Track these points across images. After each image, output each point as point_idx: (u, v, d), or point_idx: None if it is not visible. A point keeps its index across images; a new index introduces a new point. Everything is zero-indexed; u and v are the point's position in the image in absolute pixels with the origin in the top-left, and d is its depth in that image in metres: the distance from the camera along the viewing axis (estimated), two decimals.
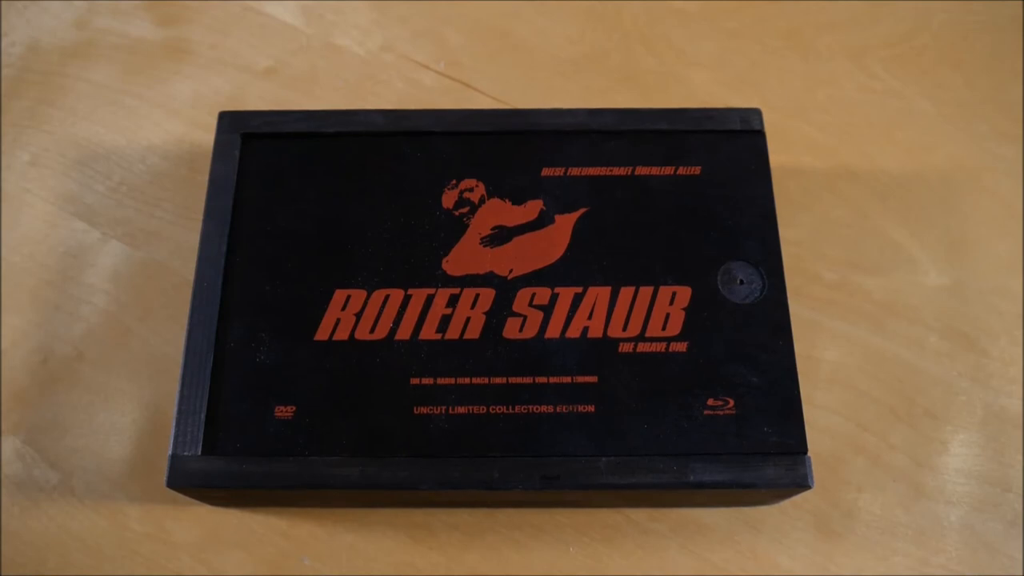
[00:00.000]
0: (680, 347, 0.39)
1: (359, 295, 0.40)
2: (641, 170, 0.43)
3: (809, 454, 0.37)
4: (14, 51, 0.56)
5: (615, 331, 0.39)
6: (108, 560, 0.42)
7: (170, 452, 0.37)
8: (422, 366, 0.39)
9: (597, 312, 0.40)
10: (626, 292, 0.40)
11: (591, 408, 0.38)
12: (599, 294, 0.40)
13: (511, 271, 0.41)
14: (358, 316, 0.40)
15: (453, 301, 0.40)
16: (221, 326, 0.39)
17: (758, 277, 0.41)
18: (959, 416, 0.45)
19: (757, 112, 0.44)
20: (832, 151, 0.52)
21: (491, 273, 0.41)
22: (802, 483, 0.37)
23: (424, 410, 0.38)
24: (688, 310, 0.40)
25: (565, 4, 0.58)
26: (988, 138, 0.53)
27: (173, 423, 0.37)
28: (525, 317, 0.40)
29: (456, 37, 0.56)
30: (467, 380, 0.38)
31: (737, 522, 0.43)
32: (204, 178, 0.44)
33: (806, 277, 0.48)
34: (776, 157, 0.46)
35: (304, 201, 0.42)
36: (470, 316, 0.40)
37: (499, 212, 0.42)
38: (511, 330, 0.39)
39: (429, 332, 0.39)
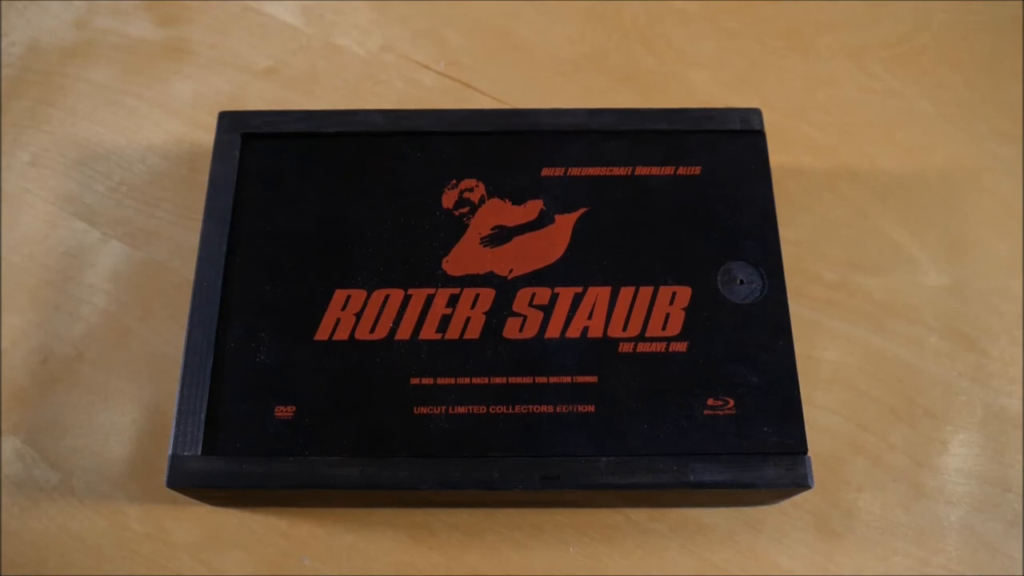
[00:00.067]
0: (680, 347, 0.39)
1: (359, 295, 0.40)
2: (641, 170, 0.43)
3: (809, 454, 0.37)
4: (14, 51, 0.56)
5: (615, 331, 0.39)
6: (108, 560, 0.42)
7: (170, 452, 0.37)
8: (422, 366, 0.39)
9: (597, 312, 0.40)
10: (626, 292, 0.40)
11: (591, 408, 0.38)
12: (599, 294, 0.40)
13: (511, 271, 0.41)
14: (358, 316, 0.40)
15: (453, 301, 0.40)
16: (221, 326, 0.39)
17: (758, 277, 0.41)
18: (959, 416, 0.45)
19: (757, 112, 0.44)
20: (832, 151, 0.52)
21: (491, 273, 0.41)
22: (802, 483, 0.37)
23: (424, 410, 0.38)
24: (688, 310, 0.40)
25: (565, 4, 0.58)
26: (988, 138, 0.53)
27: (173, 423, 0.37)
28: (525, 317, 0.40)
29: (456, 37, 0.56)
30: (467, 380, 0.38)
31: (737, 522, 0.43)
32: (204, 178, 0.44)
33: (806, 277, 0.48)
34: (776, 157, 0.46)
35: (304, 201, 0.42)
36: (470, 316, 0.40)
37: (499, 212, 0.42)
38: (511, 330, 0.39)
39: (429, 332, 0.39)
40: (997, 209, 0.51)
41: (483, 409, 0.38)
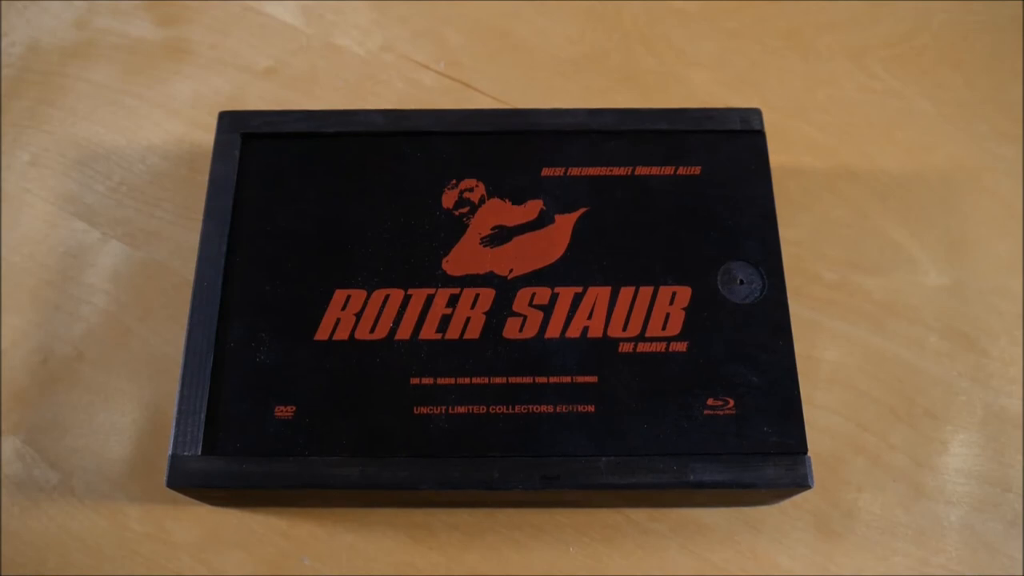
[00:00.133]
0: (680, 347, 0.39)
1: (359, 295, 0.40)
2: (641, 170, 0.43)
3: (809, 454, 0.37)
4: (14, 51, 0.56)
5: (615, 331, 0.39)
6: (108, 560, 0.42)
7: (170, 452, 0.37)
8: (422, 366, 0.39)
9: (597, 312, 0.40)
10: (626, 292, 0.40)
11: (591, 408, 0.38)
12: (599, 294, 0.40)
13: (511, 271, 0.41)
14: (358, 316, 0.40)
15: (453, 301, 0.40)
16: (221, 326, 0.39)
17: (758, 277, 0.41)
18: (959, 416, 0.45)
19: (757, 112, 0.44)
20: (832, 151, 0.52)
21: (491, 273, 0.41)
22: (802, 483, 0.37)
23: (424, 410, 0.38)
24: (688, 310, 0.40)
25: (565, 4, 0.58)
26: (988, 138, 0.53)
27: (173, 423, 0.37)
28: (525, 317, 0.40)
29: (456, 37, 0.56)
30: (467, 380, 0.38)
31: (737, 522, 0.43)
32: (204, 178, 0.44)
33: (806, 277, 0.48)
34: (776, 157, 0.46)
35: (304, 201, 0.42)
36: (470, 316, 0.40)
37: (499, 212, 0.42)
38: (511, 330, 0.39)
39: (429, 332, 0.39)
40: (997, 209, 0.51)
41: (483, 409, 0.38)
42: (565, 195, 0.42)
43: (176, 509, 0.43)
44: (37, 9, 0.57)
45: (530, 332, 0.39)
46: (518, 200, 0.42)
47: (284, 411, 0.38)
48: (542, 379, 0.38)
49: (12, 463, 0.44)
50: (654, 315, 0.40)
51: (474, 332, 0.39)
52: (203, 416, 0.37)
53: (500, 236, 0.42)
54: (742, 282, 0.40)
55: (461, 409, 0.38)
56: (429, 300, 0.40)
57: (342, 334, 0.39)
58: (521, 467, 0.37)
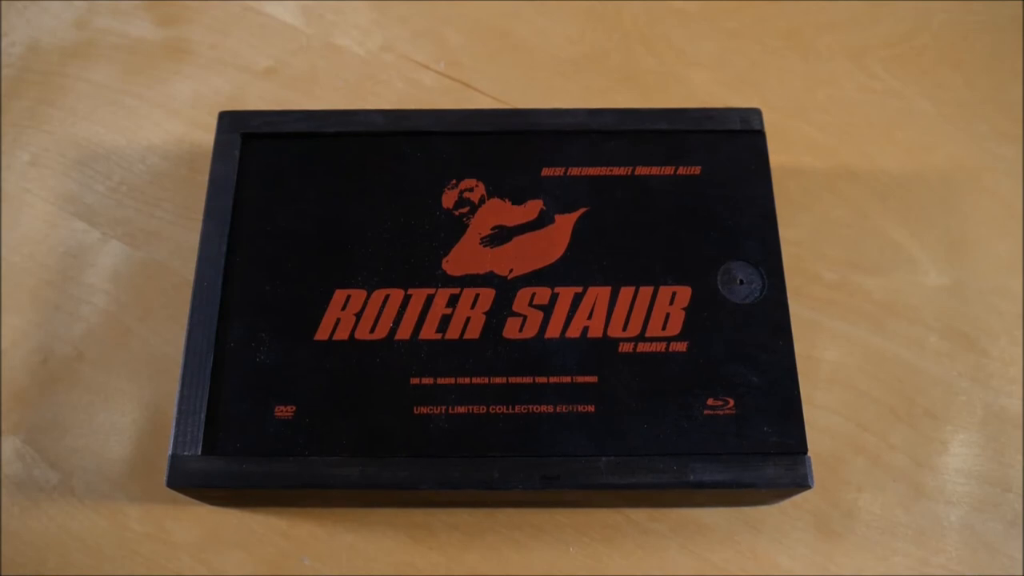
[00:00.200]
0: (680, 347, 0.39)
1: (359, 295, 0.40)
2: (641, 170, 0.43)
3: (809, 454, 0.37)
4: (14, 51, 0.56)
5: (615, 331, 0.39)
6: (108, 560, 0.42)
7: (170, 452, 0.37)
8: (422, 366, 0.39)
9: (597, 312, 0.40)
10: (626, 292, 0.40)
11: (591, 408, 0.38)
12: (599, 294, 0.40)
13: (511, 271, 0.41)
14: (358, 316, 0.40)
15: (453, 301, 0.40)
16: (221, 326, 0.39)
17: (758, 277, 0.41)
18: (959, 416, 0.45)
19: (757, 112, 0.44)
20: (832, 151, 0.52)
21: (491, 273, 0.41)
22: (802, 483, 0.37)
23: (424, 410, 0.38)
24: (688, 310, 0.40)
25: (565, 4, 0.58)
26: (988, 138, 0.53)
27: (173, 423, 0.37)
28: (525, 317, 0.40)
29: (456, 37, 0.56)
30: (467, 380, 0.38)
31: (737, 522, 0.43)
32: (204, 178, 0.44)
33: (806, 277, 0.48)
34: (776, 157, 0.46)
35: (304, 201, 0.42)
36: (470, 316, 0.40)
37: (499, 212, 0.42)
38: (511, 330, 0.39)
39: (429, 332, 0.39)
40: (997, 209, 0.51)
41: (483, 409, 0.38)
42: (565, 195, 0.42)
43: (176, 509, 0.43)
44: (37, 9, 0.57)
45: (530, 332, 0.39)
46: (518, 200, 0.42)
47: (284, 411, 0.38)
48: (542, 379, 0.38)
49: (12, 463, 0.44)
50: (654, 315, 0.40)
51: (474, 332, 0.39)
52: (203, 416, 0.37)
53: (500, 236, 0.42)
54: (742, 282, 0.40)
55: (461, 409, 0.38)
56: (429, 300, 0.40)
57: (342, 334, 0.39)
58: (521, 467, 0.37)
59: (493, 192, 0.42)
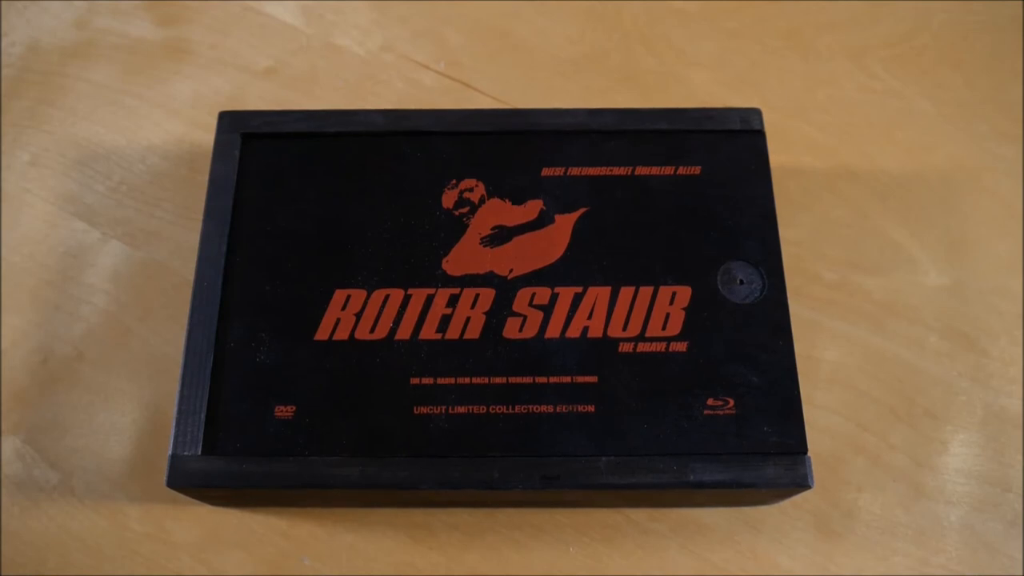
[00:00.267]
0: (680, 347, 0.39)
1: (359, 295, 0.40)
2: (641, 170, 0.43)
3: (809, 454, 0.37)
4: (14, 51, 0.56)
5: (615, 331, 0.39)
6: (108, 560, 0.42)
7: (170, 452, 0.37)
8: (422, 366, 0.39)
9: (597, 312, 0.40)
10: (626, 292, 0.40)
11: (591, 408, 0.38)
12: (599, 294, 0.40)
13: (511, 271, 0.41)
14: (358, 316, 0.40)
15: (453, 301, 0.40)
16: (221, 326, 0.39)
17: (758, 277, 0.41)
18: (959, 416, 0.45)
19: (757, 112, 0.44)
20: (832, 151, 0.52)
21: (491, 273, 0.41)
22: (802, 483, 0.37)
23: (424, 410, 0.38)
24: (688, 310, 0.40)
25: (565, 4, 0.58)
26: (988, 138, 0.53)
27: (173, 423, 0.37)
28: (525, 317, 0.40)
29: (456, 37, 0.56)
30: (467, 380, 0.38)
31: (737, 522, 0.43)
32: (204, 178, 0.44)
33: (806, 277, 0.48)
34: (776, 157, 0.46)
35: (304, 201, 0.42)
36: (470, 316, 0.40)
37: (499, 212, 0.42)
38: (511, 330, 0.39)
39: (429, 332, 0.39)
40: (997, 209, 0.51)
41: (483, 409, 0.38)
42: (565, 195, 0.42)
43: (176, 509, 0.43)
44: (37, 9, 0.57)
45: (530, 332, 0.39)
46: (518, 200, 0.42)
47: (284, 411, 0.38)
48: (542, 379, 0.38)
49: (12, 463, 0.44)
50: (654, 315, 0.40)
51: (474, 332, 0.39)
52: (203, 416, 0.37)
53: (500, 236, 0.42)
54: (742, 282, 0.40)
55: (461, 409, 0.38)
56: (429, 300, 0.40)
57: (342, 334, 0.39)
58: (521, 467, 0.37)
59: (493, 192, 0.42)
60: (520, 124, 0.44)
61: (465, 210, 0.42)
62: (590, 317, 0.40)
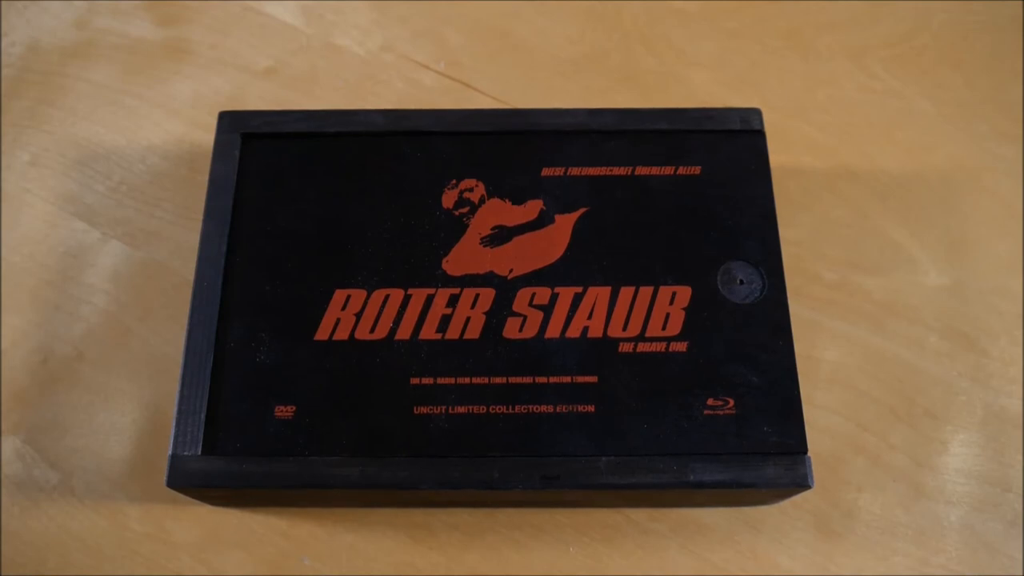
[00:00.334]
0: (680, 347, 0.39)
1: (359, 295, 0.40)
2: (641, 170, 0.43)
3: (809, 454, 0.37)
4: (14, 51, 0.56)
5: (615, 331, 0.39)
6: (108, 560, 0.42)
7: (170, 452, 0.37)
8: (422, 366, 0.39)
9: (597, 312, 0.40)
10: (626, 292, 0.40)
11: (591, 408, 0.38)
12: (599, 294, 0.40)
13: (511, 271, 0.41)
14: (358, 316, 0.40)
15: (453, 301, 0.40)
16: (221, 326, 0.39)
17: (758, 277, 0.41)
18: (959, 416, 0.45)
19: (757, 112, 0.44)
20: (832, 151, 0.52)
21: (491, 273, 0.41)
22: (802, 483, 0.37)
23: (424, 410, 0.38)
24: (688, 310, 0.40)
25: (565, 4, 0.58)
26: (988, 138, 0.53)
27: (173, 423, 0.37)
28: (525, 317, 0.40)
29: (456, 37, 0.56)
30: (467, 380, 0.38)
31: (737, 522, 0.43)
32: (204, 178, 0.44)
33: (806, 277, 0.48)
34: (776, 157, 0.46)
35: (304, 201, 0.42)
36: (470, 316, 0.40)
37: (499, 212, 0.42)
38: (511, 330, 0.39)
39: (429, 332, 0.39)
40: (997, 209, 0.51)
41: (483, 409, 0.38)
42: (565, 195, 0.42)
43: (176, 509, 0.43)
44: (37, 9, 0.57)
45: (530, 332, 0.39)
46: (518, 200, 0.42)
47: (284, 411, 0.38)
48: (542, 379, 0.38)
49: (12, 463, 0.44)
50: (654, 315, 0.40)
51: (474, 332, 0.39)
52: (203, 416, 0.37)
53: (500, 236, 0.42)
54: (742, 282, 0.40)
55: (461, 409, 0.38)
56: (429, 300, 0.40)
57: (342, 334, 0.39)
58: (521, 467, 0.37)
59: (493, 192, 0.42)
60: (520, 124, 0.44)
61: (465, 210, 0.42)
62: (590, 317, 0.40)
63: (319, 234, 0.41)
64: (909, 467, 0.44)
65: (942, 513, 0.43)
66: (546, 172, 0.43)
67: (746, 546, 0.42)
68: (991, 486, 0.44)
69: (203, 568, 0.41)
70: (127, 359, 0.46)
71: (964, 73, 0.55)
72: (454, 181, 0.43)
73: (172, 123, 0.53)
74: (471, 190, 0.42)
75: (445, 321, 0.40)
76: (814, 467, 0.40)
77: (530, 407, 0.38)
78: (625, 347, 0.39)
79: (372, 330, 0.39)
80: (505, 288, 0.40)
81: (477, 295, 0.40)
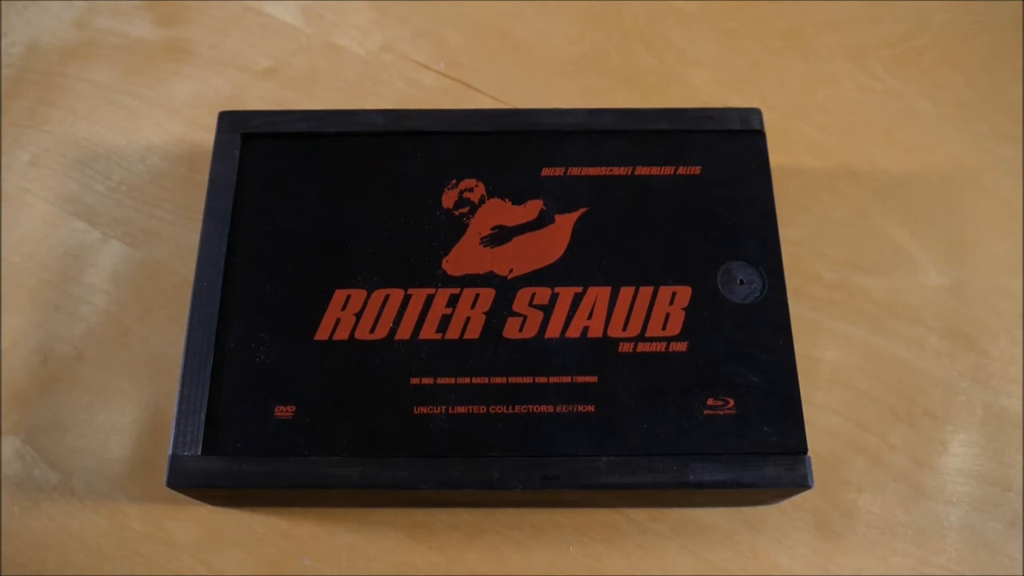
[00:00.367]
0: (680, 347, 0.39)
1: (359, 295, 0.40)
2: (641, 170, 0.43)
3: (809, 454, 0.37)
4: (14, 51, 0.56)
5: (615, 331, 0.39)
6: (108, 560, 0.42)
7: (170, 452, 0.37)
8: (422, 366, 0.39)
9: (597, 312, 0.40)
10: (626, 292, 0.40)
11: (591, 408, 0.38)
12: (599, 294, 0.40)
13: (511, 271, 0.41)
14: (358, 316, 0.40)
15: (453, 301, 0.40)
16: (221, 326, 0.39)
17: (758, 277, 0.41)
18: (959, 416, 0.45)
19: (757, 112, 0.44)
20: (832, 151, 0.52)
21: (491, 273, 0.41)
22: (802, 483, 0.37)
23: (424, 410, 0.38)
24: (688, 310, 0.40)
25: (565, 4, 0.58)
26: (988, 138, 0.53)
27: (173, 423, 0.37)
28: (525, 317, 0.40)
29: (456, 37, 0.56)
30: (467, 380, 0.38)
31: (737, 522, 0.43)
32: (204, 178, 0.44)
33: (806, 277, 0.48)
34: (776, 157, 0.46)
35: (304, 201, 0.42)
36: (470, 316, 0.40)
37: (499, 212, 0.42)
38: (511, 330, 0.39)
39: (429, 332, 0.39)
40: (997, 209, 0.51)
41: (483, 409, 0.38)
42: (565, 195, 0.42)
43: (176, 509, 0.43)
44: (37, 9, 0.57)
45: (530, 332, 0.39)
46: (518, 200, 0.42)
47: (284, 411, 0.38)
48: (542, 379, 0.38)
49: (12, 463, 0.44)
50: (654, 315, 0.40)
51: (474, 332, 0.39)
52: (203, 416, 0.37)
53: (500, 236, 0.42)
54: (742, 282, 0.40)
55: (461, 409, 0.38)
56: (429, 300, 0.40)
57: (342, 334, 0.39)
58: (521, 467, 0.37)
59: (493, 192, 0.42)
60: (520, 124, 0.44)
61: (465, 210, 0.42)
62: (590, 317, 0.40)
63: (319, 234, 0.41)
64: (909, 467, 0.44)
65: (942, 513, 0.43)
66: (546, 172, 0.43)
67: (746, 546, 0.42)
68: (991, 486, 0.44)
69: (203, 568, 0.41)
70: (127, 359, 0.46)
71: (964, 73, 0.55)
72: (454, 181, 0.43)
73: (172, 123, 0.53)
74: (471, 190, 0.42)
75: (445, 321, 0.40)
76: (814, 467, 0.40)
77: (530, 407, 0.38)
78: (625, 347, 0.39)
79: (372, 330, 0.39)
80: (505, 288, 0.40)
81: (477, 295, 0.40)
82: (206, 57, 0.56)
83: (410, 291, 0.40)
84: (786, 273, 0.41)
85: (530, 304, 0.40)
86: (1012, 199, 0.51)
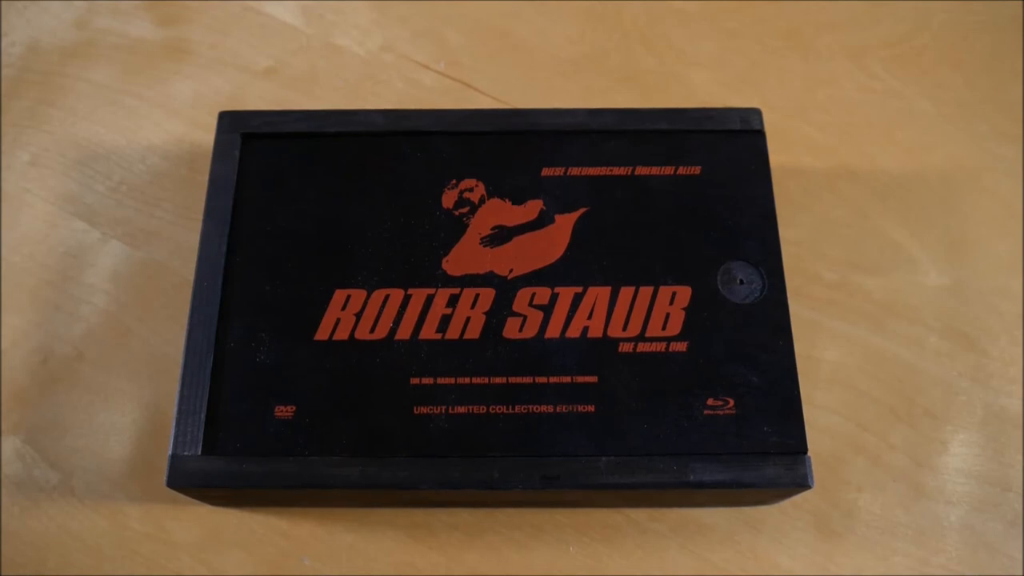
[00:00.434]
0: (680, 347, 0.39)
1: (359, 295, 0.40)
2: (641, 170, 0.43)
3: (809, 454, 0.37)
4: (14, 51, 0.56)
5: (615, 331, 0.39)
6: (108, 560, 0.42)
7: (170, 452, 0.37)
8: (422, 366, 0.39)
9: (597, 312, 0.40)
10: (626, 292, 0.40)
11: (591, 408, 0.38)
12: (599, 294, 0.40)
13: (511, 271, 0.41)
14: (358, 316, 0.40)
15: (453, 301, 0.40)
16: (221, 326, 0.39)
17: (758, 277, 0.41)
18: (959, 416, 0.45)
19: (757, 112, 0.44)
20: (832, 151, 0.52)
21: (491, 273, 0.41)
22: (802, 483, 0.37)
23: (424, 410, 0.38)
24: (688, 310, 0.40)
25: (565, 4, 0.58)
26: (988, 138, 0.53)
27: (173, 423, 0.37)
28: (525, 317, 0.40)
29: (456, 37, 0.56)
30: (467, 380, 0.38)
31: (737, 522, 0.43)
32: (204, 178, 0.44)
33: (806, 277, 0.48)
34: (776, 157, 0.46)
35: (304, 201, 0.42)
36: (470, 316, 0.40)
37: (499, 212, 0.42)
38: (511, 330, 0.39)
39: (429, 332, 0.39)
40: (997, 209, 0.51)
41: (483, 409, 0.38)
42: (565, 195, 0.42)
43: (176, 509, 0.43)
44: (37, 9, 0.57)
45: (530, 332, 0.39)
46: (518, 200, 0.42)
47: (284, 411, 0.38)
48: (542, 379, 0.38)
49: (12, 463, 0.44)
50: (654, 315, 0.40)
51: (474, 332, 0.39)
52: (203, 416, 0.37)
53: (500, 236, 0.42)
54: (742, 282, 0.40)
55: (461, 409, 0.38)
56: (429, 300, 0.40)
57: (342, 334, 0.39)
58: (521, 467, 0.37)
59: (493, 192, 0.43)
60: (520, 124, 0.44)
61: (465, 210, 0.42)
62: (590, 317, 0.40)
63: (319, 234, 0.41)
64: (909, 467, 0.44)
65: (942, 513, 0.43)
66: (546, 172, 0.43)
67: (746, 546, 0.42)
68: (991, 486, 0.44)
69: (203, 568, 0.41)
70: (127, 359, 0.46)
71: (964, 73, 0.55)
72: (454, 181, 0.43)
73: (172, 123, 0.53)
74: (471, 190, 0.42)
75: (445, 321, 0.40)
76: (814, 467, 0.40)
77: (530, 407, 0.38)
78: (625, 347, 0.39)
79: (372, 330, 0.39)
80: (505, 288, 0.40)
81: (477, 295, 0.40)
82: (206, 57, 0.56)
83: (410, 291, 0.40)
84: (786, 273, 0.41)
85: (530, 304, 0.40)
86: (1012, 199, 0.51)
